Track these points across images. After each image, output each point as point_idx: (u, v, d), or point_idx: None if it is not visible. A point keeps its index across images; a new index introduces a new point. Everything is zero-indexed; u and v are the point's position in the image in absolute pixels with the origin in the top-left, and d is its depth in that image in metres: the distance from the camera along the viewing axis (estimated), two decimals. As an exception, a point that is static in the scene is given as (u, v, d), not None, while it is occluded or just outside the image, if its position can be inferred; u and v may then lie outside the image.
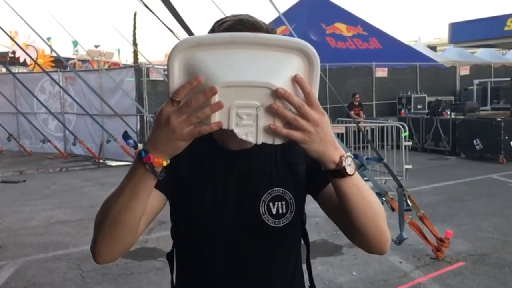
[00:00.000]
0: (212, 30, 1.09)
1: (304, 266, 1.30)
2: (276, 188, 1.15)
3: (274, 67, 0.90)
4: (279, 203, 1.14)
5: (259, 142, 0.91)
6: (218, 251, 1.16)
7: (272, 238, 1.16)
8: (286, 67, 0.91)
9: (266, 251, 1.17)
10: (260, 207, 1.14)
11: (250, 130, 0.90)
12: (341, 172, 0.95)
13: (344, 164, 0.94)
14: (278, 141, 0.92)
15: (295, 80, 0.90)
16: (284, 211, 1.15)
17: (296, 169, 1.17)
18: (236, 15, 1.09)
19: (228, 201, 1.14)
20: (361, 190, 0.99)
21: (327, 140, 0.93)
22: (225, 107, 0.87)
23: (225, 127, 0.89)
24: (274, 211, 1.14)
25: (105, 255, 1.06)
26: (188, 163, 1.13)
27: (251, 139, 0.91)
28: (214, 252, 1.16)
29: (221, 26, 1.08)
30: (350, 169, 0.95)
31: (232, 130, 0.91)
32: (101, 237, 1.03)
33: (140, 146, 0.97)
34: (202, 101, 0.85)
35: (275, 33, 1.06)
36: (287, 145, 1.16)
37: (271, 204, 1.14)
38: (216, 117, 0.88)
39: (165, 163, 0.92)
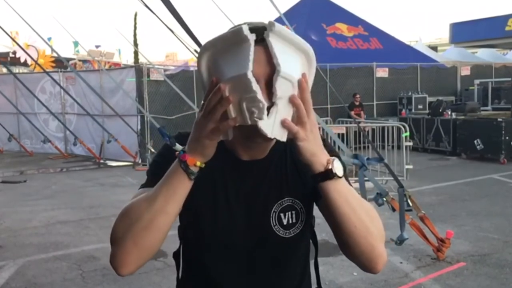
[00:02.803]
0: None
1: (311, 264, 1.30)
2: (287, 198, 1.15)
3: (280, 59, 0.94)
4: (290, 213, 1.14)
5: (273, 137, 0.94)
6: (226, 259, 1.15)
7: (282, 247, 1.15)
8: (292, 63, 0.95)
9: (275, 259, 1.17)
10: (271, 218, 1.13)
11: (268, 123, 0.93)
12: (330, 174, 0.97)
13: (331, 165, 0.97)
14: (284, 138, 0.96)
15: (303, 81, 0.94)
16: (294, 220, 1.15)
17: (305, 176, 1.16)
18: (250, 23, 1.07)
19: (239, 211, 1.13)
20: (348, 198, 1.00)
21: (318, 142, 0.98)
22: (237, 103, 0.91)
23: (241, 122, 0.93)
24: (284, 222, 1.14)
25: (132, 265, 1.02)
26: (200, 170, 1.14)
27: (268, 132, 0.93)
28: (222, 259, 1.15)
29: None
30: (339, 171, 0.98)
31: (247, 132, 0.95)
32: (131, 245, 1.00)
33: (179, 146, 1.02)
34: (216, 101, 0.91)
35: None
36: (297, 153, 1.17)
37: (282, 215, 1.14)
38: (232, 113, 0.92)
39: (198, 163, 0.98)
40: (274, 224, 1.13)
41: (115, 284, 4.23)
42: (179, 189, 0.99)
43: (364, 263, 1.06)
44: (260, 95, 0.90)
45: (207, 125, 0.93)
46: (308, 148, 0.96)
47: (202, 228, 1.13)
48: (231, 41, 0.95)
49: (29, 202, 7.53)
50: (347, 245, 1.04)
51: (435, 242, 4.54)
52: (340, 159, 1.08)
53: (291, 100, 0.93)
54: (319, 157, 0.97)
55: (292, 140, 0.96)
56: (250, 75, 0.89)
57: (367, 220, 1.02)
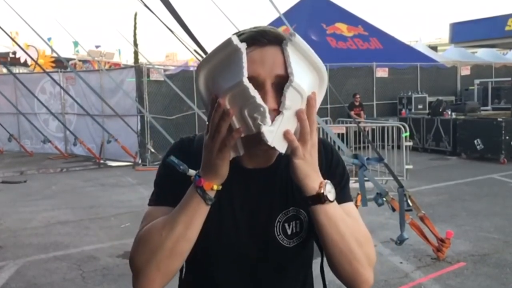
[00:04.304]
0: None
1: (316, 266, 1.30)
2: (292, 208, 1.13)
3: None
4: (294, 223, 1.13)
5: (272, 145, 0.92)
6: (229, 265, 1.14)
7: (285, 256, 1.15)
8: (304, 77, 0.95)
9: (278, 267, 1.16)
10: (275, 228, 1.12)
11: (271, 129, 0.91)
12: (321, 198, 0.97)
13: (324, 190, 0.97)
14: (284, 150, 0.95)
15: (313, 98, 0.95)
16: (298, 230, 1.14)
17: None
18: (257, 27, 1.05)
19: (243, 220, 1.12)
20: (337, 223, 1.00)
21: (314, 163, 0.97)
22: (239, 113, 0.90)
23: (246, 132, 0.91)
24: (289, 232, 1.13)
25: None
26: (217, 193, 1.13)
27: (269, 139, 0.91)
28: (225, 266, 1.15)
29: (239, 37, 0.99)
30: (330, 195, 0.98)
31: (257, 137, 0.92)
32: (155, 273, 1.01)
33: (192, 171, 1.00)
34: (219, 117, 0.90)
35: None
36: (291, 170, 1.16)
37: (286, 224, 1.13)
38: (236, 125, 0.91)
39: (215, 187, 0.97)
40: (278, 233, 1.12)
41: (115, 284, 4.23)
42: (197, 215, 0.99)
43: (347, 284, 1.07)
44: (260, 99, 0.89)
45: (215, 145, 0.92)
46: (303, 168, 0.95)
47: (206, 236, 1.11)
48: (223, 55, 0.94)
49: (29, 202, 7.53)
50: (332, 265, 1.05)
51: (435, 242, 4.54)
52: (339, 181, 1.09)
53: (298, 115, 0.92)
54: (312, 180, 0.97)
55: (289, 155, 0.95)
56: (246, 81, 0.88)
57: (355, 246, 1.02)
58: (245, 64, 0.90)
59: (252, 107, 0.89)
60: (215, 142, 0.92)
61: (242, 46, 0.92)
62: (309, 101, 0.94)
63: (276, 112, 0.92)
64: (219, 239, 1.12)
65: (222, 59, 0.94)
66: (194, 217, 0.99)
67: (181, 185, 1.03)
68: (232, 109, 0.89)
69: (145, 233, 1.03)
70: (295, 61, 0.93)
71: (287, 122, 0.92)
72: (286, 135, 0.92)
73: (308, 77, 0.95)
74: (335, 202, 1.00)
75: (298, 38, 0.94)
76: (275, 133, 0.91)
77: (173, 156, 1.06)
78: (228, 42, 0.93)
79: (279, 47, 0.96)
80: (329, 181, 0.99)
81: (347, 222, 1.02)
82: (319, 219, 0.99)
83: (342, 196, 1.12)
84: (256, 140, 0.92)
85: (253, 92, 0.88)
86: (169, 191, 1.09)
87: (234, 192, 1.12)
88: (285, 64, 0.94)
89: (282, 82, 0.94)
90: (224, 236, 1.12)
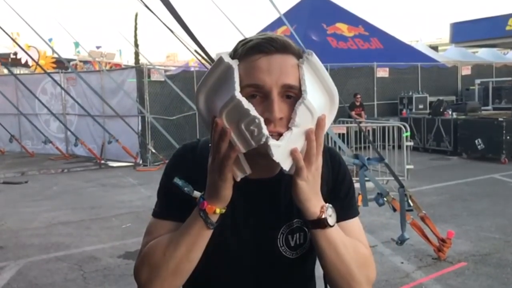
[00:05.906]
0: (235, 50, 1.00)
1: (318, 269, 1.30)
2: (296, 220, 1.11)
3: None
4: (298, 234, 1.12)
5: (277, 160, 0.91)
6: (231, 275, 1.14)
7: (288, 267, 1.14)
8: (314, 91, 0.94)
9: (280, 277, 1.15)
10: (278, 240, 1.11)
11: (278, 144, 0.90)
12: (322, 223, 0.97)
13: (325, 215, 0.97)
14: (287, 167, 0.94)
15: (321, 120, 0.93)
16: (302, 241, 1.13)
17: None
18: (264, 34, 1.02)
19: (246, 232, 1.11)
20: (337, 247, 1.00)
21: (316, 186, 0.96)
22: (237, 129, 0.89)
23: (247, 148, 0.90)
24: (292, 243, 1.12)
25: None
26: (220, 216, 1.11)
27: (275, 154, 0.90)
28: (227, 275, 1.14)
29: (245, 45, 0.98)
30: (331, 220, 0.98)
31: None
32: None
33: (197, 193, 1.00)
34: (218, 137, 0.89)
35: (300, 54, 1.00)
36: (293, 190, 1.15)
37: (289, 236, 1.11)
38: (237, 143, 0.90)
39: (218, 210, 0.97)
40: (281, 245, 1.11)
41: (116, 285, 4.23)
42: (200, 237, 0.99)
43: None
44: (254, 111, 0.88)
45: (217, 166, 0.92)
46: (305, 190, 0.94)
47: (208, 246, 1.09)
48: (217, 74, 0.94)
49: (31, 203, 7.53)
50: (331, 285, 1.07)
51: (436, 242, 4.54)
52: (339, 205, 1.08)
53: (307, 134, 0.91)
54: (313, 205, 0.96)
55: (292, 175, 0.94)
56: (238, 95, 0.88)
57: (354, 268, 1.02)
58: (237, 79, 0.90)
59: (248, 121, 0.88)
60: (216, 163, 0.92)
61: (234, 63, 0.92)
62: (320, 122, 0.92)
63: (282, 121, 0.91)
64: (221, 251, 1.11)
65: (217, 78, 0.94)
66: (197, 240, 0.99)
67: (185, 200, 1.02)
68: (230, 127, 0.88)
69: (149, 251, 1.04)
70: (308, 80, 0.93)
71: (294, 139, 0.91)
72: (293, 153, 0.91)
73: (319, 98, 0.95)
74: (335, 225, 1.00)
75: (315, 58, 0.94)
76: (282, 149, 0.90)
77: (177, 168, 1.06)
78: (220, 61, 0.93)
79: (286, 55, 0.95)
80: (330, 205, 0.99)
81: (347, 245, 1.02)
82: (319, 242, 0.99)
83: (347, 210, 1.12)
84: (261, 152, 0.91)
85: (247, 105, 0.87)
86: (172, 205, 1.08)
87: (236, 203, 1.08)
88: (295, 75, 0.93)
89: (288, 91, 0.93)
90: (227, 248, 1.11)
